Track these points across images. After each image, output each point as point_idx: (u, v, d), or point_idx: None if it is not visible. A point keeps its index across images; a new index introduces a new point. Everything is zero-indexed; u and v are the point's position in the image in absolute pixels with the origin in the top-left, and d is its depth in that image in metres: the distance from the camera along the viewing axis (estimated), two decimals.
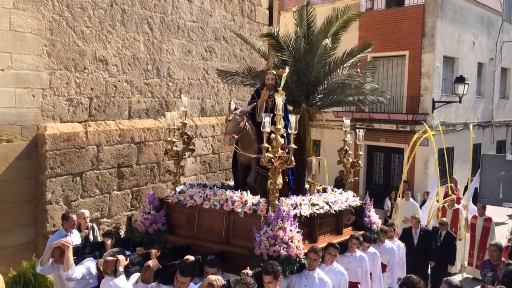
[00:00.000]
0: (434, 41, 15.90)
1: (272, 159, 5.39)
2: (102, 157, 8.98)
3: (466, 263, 10.64)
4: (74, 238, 6.53)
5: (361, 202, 7.27)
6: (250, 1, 12.60)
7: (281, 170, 5.65)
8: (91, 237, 7.43)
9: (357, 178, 7.74)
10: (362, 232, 6.84)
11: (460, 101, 15.71)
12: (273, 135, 5.51)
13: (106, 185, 9.10)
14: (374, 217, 7.28)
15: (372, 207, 7.42)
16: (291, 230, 5.33)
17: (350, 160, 7.61)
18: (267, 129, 5.41)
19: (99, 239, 7.44)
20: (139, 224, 6.24)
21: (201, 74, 11.41)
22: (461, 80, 15.45)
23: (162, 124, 10.05)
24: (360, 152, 7.77)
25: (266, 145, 5.43)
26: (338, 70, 8.05)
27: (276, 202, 5.53)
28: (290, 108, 7.65)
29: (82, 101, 8.82)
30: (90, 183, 8.79)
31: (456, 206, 10.71)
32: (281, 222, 5.32)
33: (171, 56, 10.54)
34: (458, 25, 17.10)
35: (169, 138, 6.54)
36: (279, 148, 5.50)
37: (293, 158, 5.42)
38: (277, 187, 5.53)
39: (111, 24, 9.22)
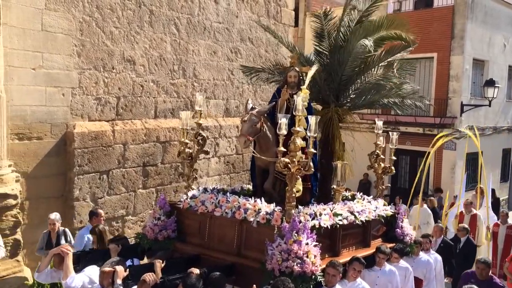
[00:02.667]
0: (463, 43, 15.57)
1: (289, 164, 4.92)
2: (128, 155, 9.13)
3: None
4: None
5: (393, 211, 6.62)
6: (276, 3, 12.60)
7: (300, 176, 5.18)
8: (62, 241, 6.85)
9: (389, 185, 7.09)
10: (393, 244, 6.22)
11: (489, 105, 15.34)
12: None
13: (132, 183, 9.25)
14: (407, 228, 6.63)
15: (406, 217, 6.80)
16: (307, 244, 4.83)
17: (382, 165, 6.94)
18: (283, 132, 4.93)
19: (73, 242, 7.01)
20: (148, 230, 5.86)
21: (226, 75, 11.47)
22: (491, 83, 15.08)
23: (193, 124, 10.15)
24: (393, 157, 6.99)
25: (282, 148, 4.93)
26: (373, 70, 7.44)
27: (293, 211, 5.03)
28: (319, 108, 7.28)
29: (110, 100, 8.99)
30: (116, 181, 8.95)
31: (474, 211, 10.28)
32: (295, 234, 4.81)
33: (197, 57, 10.63)
34: (488, 27, 16.71)
35: (182, 139, 6.20)
36: (299, 152, 5.06)
37: (311, 164, 4.93)
38: (293, 195, 5.03)
39: (139, 25, 9.37)
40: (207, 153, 6.73)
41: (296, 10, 14.73)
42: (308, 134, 5.05)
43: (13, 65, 7.50)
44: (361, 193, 7.02)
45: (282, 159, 4.90)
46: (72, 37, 8.27)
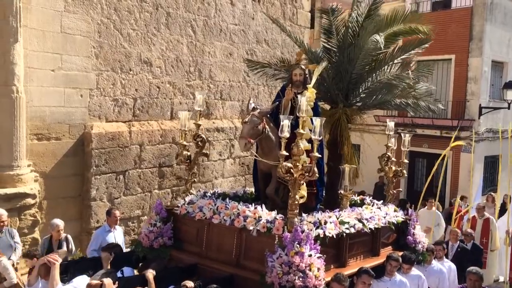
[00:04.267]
0: (482, 44, 15.37)
1: (292, 169, 4.56)
2: (144, 156, 9.21)
3: (504, 278, 10.08)
4: (117, 235, 6.67)
5: (404, 217, 6.24)
6: (292, 4, 12.60)
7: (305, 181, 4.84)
8: (64, 248, 6.46)
9: (400, 189, 6.61)
10: (403, 252, 5.81)
11: (508, 107, 15.09)
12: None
13: (148, 183, 9.32)
14: (419, 236, 6.24)
15: (418, 223, 6.44)
16: (310, 256, 4.47)
17: (393, 168, 6.56)
18: (285, 134, 4.59)
19: (75, 250, 6.68)
20: (143, 237, 5.51)
21: (242, 77, 11.50)
22: (510, 85, 14.85)
23: (203, 125, 10.20)
24: (405, 160, 6.62)
25: (284, 152, 4.57)
26: (385, 68, 7.04)
27: (295, 220, 4.68)
28: (328, 107, 7.03)
29: (127, 101, 9.08)
30: (133, 181, 9.03)
31: (486, 215, 9.87)
32: (297, 245, 4.45)
33: (213, 58, 10.68)
34: (508, 28, 16.45)
35: (180, 141, 5.82)
36: (304, 156, 4.76)
37: (316, 169, 4.61)
38: (296, 202, 4.66)
39: (156, 27, 9.45)
40: (206, 155, 6.36)
41: (312, 11, 14.70)
42: (313, 136, 4.73)
43: (33, 66, 7.63)
44: (371, 197, 6.73)
45: (284, 163, 4.55)
46: (90, 39, 8.38)
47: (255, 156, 5.68)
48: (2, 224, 6.14)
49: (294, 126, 4.90)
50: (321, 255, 4.56)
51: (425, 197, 10.43)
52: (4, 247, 6.06)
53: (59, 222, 6.48)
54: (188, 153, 5.85)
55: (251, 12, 11.53)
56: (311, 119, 5.26)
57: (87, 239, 7.78)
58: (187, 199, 5.64)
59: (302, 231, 4.56)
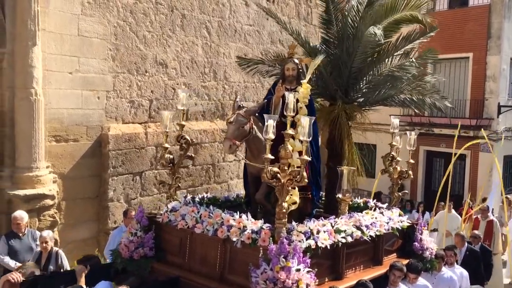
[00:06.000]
0: (500, 42, 15.12)
1: (278, 174, 4.08)
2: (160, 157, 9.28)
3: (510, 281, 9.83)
4: None
5: (410, 222, 5.70)
6: (306, 4, 12.56)
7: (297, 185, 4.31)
8: (51, 266, 5.81)
9: (406, 191, 6.06)
10: (409, 260, 5.30)
11: None
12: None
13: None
14: (427, 241, 5.67)
15: (426, 228, 5.95)
16: (298, 270, 3.96)
17: (398, 168, 5.94)
18: (270, 136, 4.11)
19: (67, 267, 6.05)
20: (122, 248, 5.00)
21: (256, 77, 11.49)
22: None
23: (218, 126, 10.24)
24: (411, 160, 5.95)
25: (268, 155, 4.08)
26: (387, 60, 6.51)
27: (284, 230, 4.19)
28: (327, 104, 6.59)
29: (143, 103, 9.16)
30: (149, 182, 9.11)
31: (490, 217, 9.59)
32: (283, 260, 3.94)
33: (228, 59, 10.71)
34: None
35: (164, 144, 5.34)
36: (296, 158, 4.40)
37: (305, 174, 4.13)
38: (284, 210, 4.18)
39: (171, 29, 9.51)
40: (191, 158, 5.76)
41: None
42: (301, 138, 4.25)
43: (51, 69, 7.75)
44: (375, 200, 6.26)
45: (270, 168, 4.05)
46: (107, 42, 8.47)
47: (240, 157, 5.28)
48: (22, 225, 6.17)
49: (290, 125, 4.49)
50: (311, 270, 4.06)
51: (441, 198, 10.13)
52: (24, 250, 6.12)
53: (44, 234, 5.97)
54: (171, 156, 5.38)
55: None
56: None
57: (104, 239, 7.86)
58: (170, 206, 5.11)
59: (290, 243, 4.07)
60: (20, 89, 7.23)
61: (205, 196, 5.72)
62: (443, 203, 10.12)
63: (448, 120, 15.68)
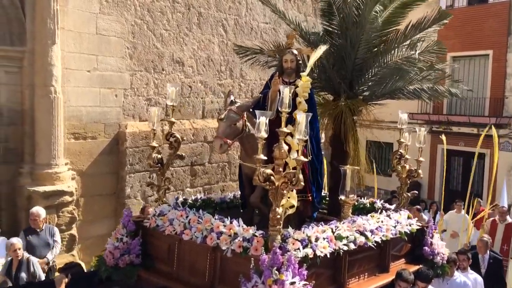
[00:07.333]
0: None
1: (273, 176, 3.69)
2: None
3: None
4: None
5: (420, 224, 5.27)
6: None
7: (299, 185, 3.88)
8: (23, 275, 5.46)
9: (416, 192, 5.61)
10: (417, 267, 4.92)
11: None
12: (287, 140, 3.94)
13: (180, 182, 9.44)
14: (438, 246, 5.31)
15: (437, 231, 5.57)
16: (292, 284, 3.56)
17: (407, 167, 5.53)
18: (262, 134, 3.70)
19: (41, 275, 5.70)
20: (107, 255, 4.62)
21: None
22: None
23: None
24: (421, 158, 5.48)
25: (261, 156, 3.68)
26: (395, 51, 6.01)
27: (278, 237, 3.79)
28: (330, 98, 6.24)
29: (160, 101, 9.22)
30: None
31: (509, 220, 8.88)
32: (276, 272, 3.55)
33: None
34: None
35: (151, 143, 4.98)
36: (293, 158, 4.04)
37: (301, 176, 3.76)
38: (278, 216, 3.78)
39: (188, 27, 9.55)
40: (182, 158, 5.38)
41: None
42: (297, 136, 3.86)
43: (70, 67, 7.84)
44: (382, 201, 5.89)
45: (262, 170, 3.67)
46: (124, 40, 8.55)
47: (239, 158, 4.87)
48: (39, 221, 6.24)
49: (289, 121, 4.15)
50: (308, 283, 3.69)
51: (464, 198, 9.76)
52: (41, 245, 6.20)
53: (14, 241, 5.59)
54: (159, 156, 5.03)
55: (282, 10, 11.47)
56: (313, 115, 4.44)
57: None
58: (158, 210, 4.73)
59: (284, 253, 3.66)
60: (40, 87, 7.33)
61: (199, 197, 5.34)
62: (458, 202, 9.73)
63: (467, 119, 15.47)
